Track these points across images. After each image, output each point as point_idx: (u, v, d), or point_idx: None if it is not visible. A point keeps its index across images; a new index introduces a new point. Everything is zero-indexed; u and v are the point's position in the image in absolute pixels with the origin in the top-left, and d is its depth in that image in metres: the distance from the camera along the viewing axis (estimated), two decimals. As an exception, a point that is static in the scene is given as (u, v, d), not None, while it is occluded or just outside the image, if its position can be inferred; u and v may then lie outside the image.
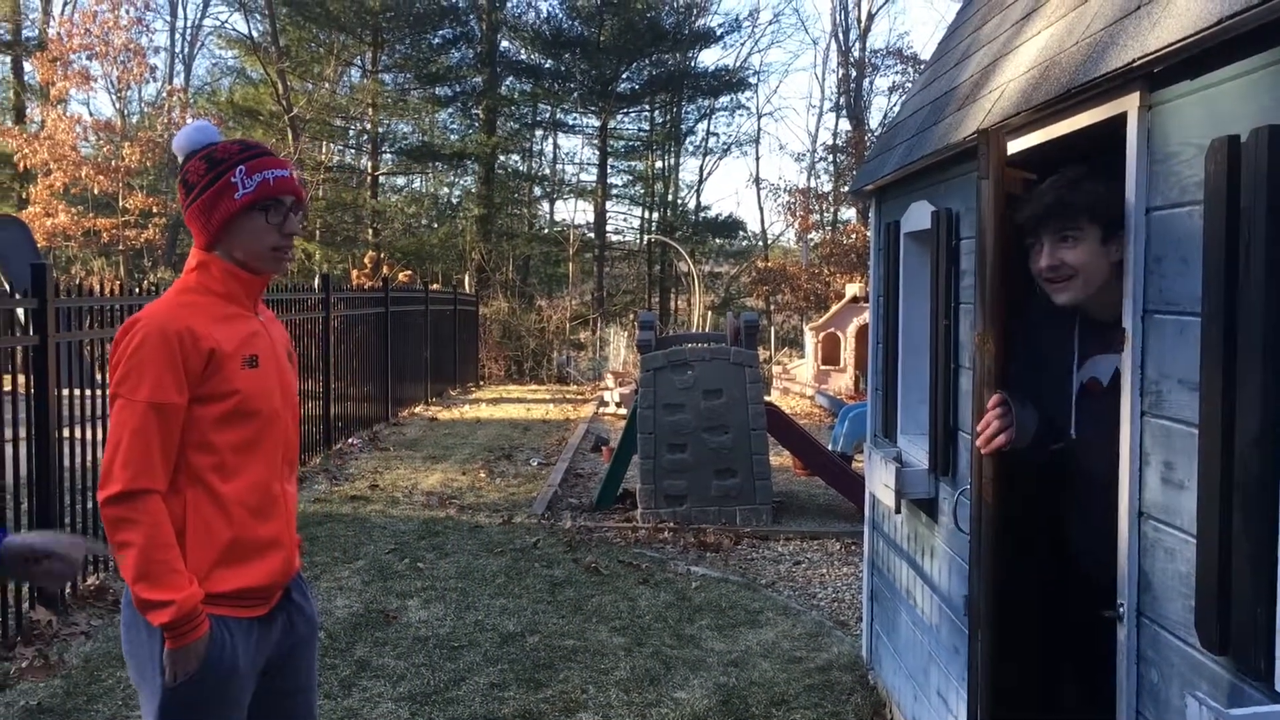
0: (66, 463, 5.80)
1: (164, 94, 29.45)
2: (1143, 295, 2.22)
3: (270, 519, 2.43)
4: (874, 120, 34.29)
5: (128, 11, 23.35)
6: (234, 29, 34.83)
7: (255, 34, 30.31)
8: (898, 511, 4.01)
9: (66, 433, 5.79)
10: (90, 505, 6.09)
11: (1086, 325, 2.64)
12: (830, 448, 9.93)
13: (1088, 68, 2.33)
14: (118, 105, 29.98)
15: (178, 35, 35.34)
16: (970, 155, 3.02)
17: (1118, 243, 2.44)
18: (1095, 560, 2.56)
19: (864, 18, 34.89)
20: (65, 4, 31.28)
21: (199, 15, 38.54)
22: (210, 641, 2.29)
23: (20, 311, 5.58)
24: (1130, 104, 2.22)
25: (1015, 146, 2.79)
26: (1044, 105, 2.54)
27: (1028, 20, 3.23)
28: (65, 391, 5.83)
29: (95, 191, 22.84)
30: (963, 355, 3.38)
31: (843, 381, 17.78)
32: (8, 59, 30.00)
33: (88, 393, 6.04)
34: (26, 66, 28.06)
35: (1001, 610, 2.75)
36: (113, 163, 22.66)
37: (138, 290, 7.37)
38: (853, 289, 18.80)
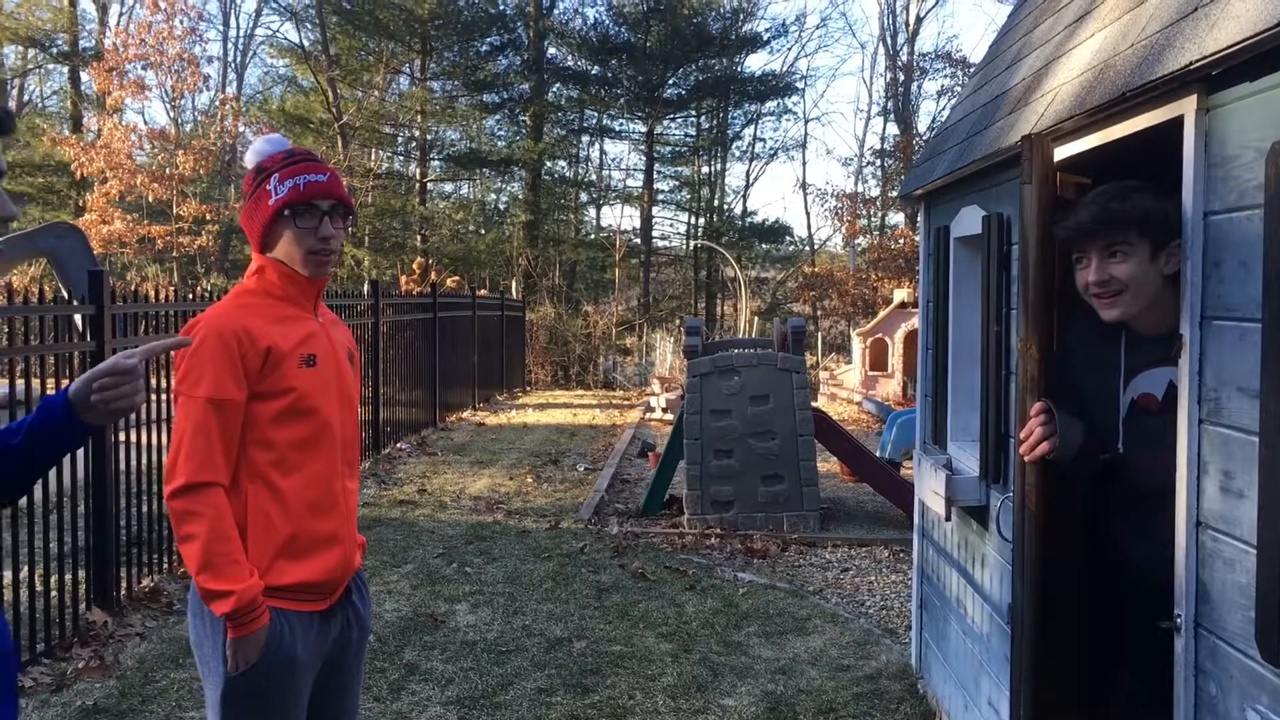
0: (123, 466, 5.89)
1: (217, 102, 29.93)
2: (1200, 302, 2.18)
3: (329, 516, 2.48)
4: (922, 124, 34.10)
5: (182, 22, 23.79)
6: (285, 38, 35.42)
7: (306, 43, 30.76)
8: (948, 519, 3.97)
9: (123, 436, 5.89)
10: (146, 509, 6.19)
11: (1134, 340, 2.57)
12: (878, 454, 9.86)
13: (1144, 70, 2.30)
14: (172, 114, 30.60)
15: (230, 45, 35.95)
16: (1021, 160, 2.99)
17: (1169, 255, 2.40)
18: (1149, 571, 2.52)
19: (912, 21, 34.70)
20: (121, 15, 31.92)
21: (251, 25, 39.19)
22: (270, 632, 2.34)
23: (78, 317, 5.69)
24: (1187, 107, 2.19)
25: (1070, 150, 2.76)
26: (1098, 109, 2.51)
27: (1081, 23, 3.19)
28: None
29: (150, 199, 23.28)
30: (1014, 361, 3.34)
31: (890, 387, 17.65)
32: (65, 69, 30.64)
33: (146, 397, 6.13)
34: (84, 77, 28.67)
35: (1045, 618, 2.72)
36: (167, 170, 23.08)
37: (191, 296, 7.49)
38: (901, 294, 18.67)
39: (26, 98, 35.46)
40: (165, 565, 6.39)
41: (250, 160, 2.57)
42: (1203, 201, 2.18)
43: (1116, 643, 2.75)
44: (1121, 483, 2.64)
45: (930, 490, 4.01)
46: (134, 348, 2.27)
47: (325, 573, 2.46)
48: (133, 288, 7.63)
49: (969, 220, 3.88)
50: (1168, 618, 2.31)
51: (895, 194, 31.26)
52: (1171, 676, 2.30)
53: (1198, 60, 2.03)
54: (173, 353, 2.69)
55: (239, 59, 36.45)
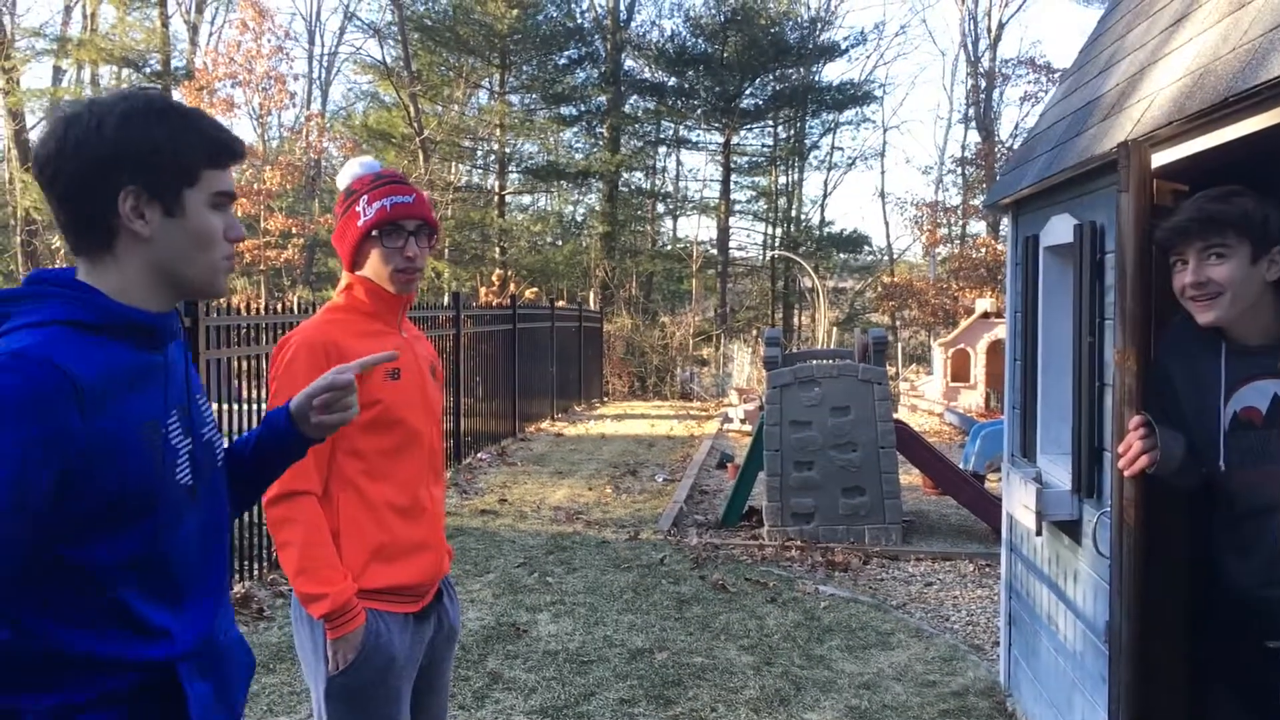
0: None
1: (302, 119, 30.65)
2: (1309, 311, 2.12)
3: (418, 521, 2.57)
4: (1004, 131, 33.60)
5: (269, 41, 24.39)
6: (368, 55, 36.16)
7: (388, 59, 31.29)
8: (1038, 533, 3.89)
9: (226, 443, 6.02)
10: (240, 519, 6.33)
11: (1235, 351, 2.47)
12: (961, 466, 9.71)
13: (1247, 75, 2.24)
14: (258, 130, 31.36)
15: (315, 62, 36.75)
16: (1116, 167, 2.93)
17: (1270, 262, 2.33)
18: (1253, 589, 2.45)
19: (994, 27, 34.25)
20: (211, 35, 32.83)
21: (335, 43, 40.09)
22: (367, 632, 2.43)
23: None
24: (1294, 112, 2.13)
25: (1169, 157, 2.70)
26: (1199, 114, 2.45)
27: (1177, 27, 3.12)
28: (215, 406, 6.07)
29: (238, 214, 23.80)
30: (1108, 373, 3.27)
31: (973, 399, 17.38)
32: (159, 88, 31.56)
33: (236, 408, 6.28)
34: (175, 95, 29.49)
35: (1145, 637, 2.65)
36: (254, 186, 23.62)
37: (280, 308, 7.66)
38: (983, 304, 18.40)
39: (121, 116, 36.56)
40: (256, 572, 6.53)
41: (342, 181, 2.67)
42: (1311, 208, 2.11)
43: (1219, 663, 2.67)
44: (1223, 499, 2.56)
45: (1020, 504, 3.94)
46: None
47: (417, 575, 2.55)
48: (222, 301, 7.83)
49: (1060, 229, 3.81)
50: (1274, 637, 2.24)
51: (977, 202, 30.83)
52: (1278, 698, 2.23)
53: (1306, 64, 1.98)
54: (266, 365, 2.80)
55: (323, 76, 37.30)
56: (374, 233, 2.54)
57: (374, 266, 2.56)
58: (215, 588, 1.72)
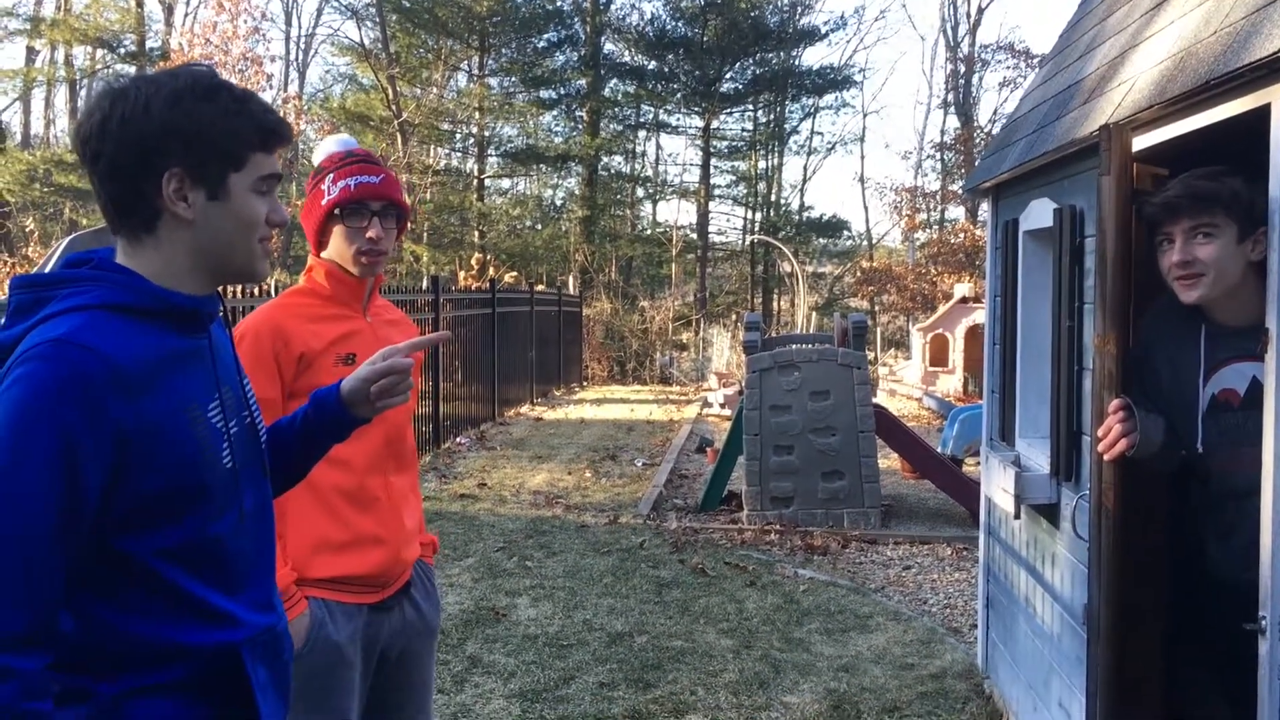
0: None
1: (279, 100, 30.34)
2: (1288, 294, 2.12)
3: (370, 511, 2.47)
4: (983, 116, 33.68)
5: (245, 22, 24.09)
6: (346, 37, 35.72)
7: (366, 41, 31.09)
8: (1017, 517, 3.91)
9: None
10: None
11: (1215, 332, 2.48)
12: (940, 450, 9.74)
13: (1228, 58, 2.24)
14: (235, 112, 30.98)
15: (292, 44, 36.39)
16: (1097, 150, 2.94)
17: (1255, 243, 2.33)
18: (1231, 571, 2.46)
19: (973, 12, 34.26)
20: (186, 16, 32.47)
21: (313, 24, 39.68)
22: (310, 621, 2.36)
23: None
24: (1274, 95, 2.13)
25: (1148, 141, 2.70)
26: (1179, 98, 2.45)
27: (1159, 10, 3.12)
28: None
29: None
30: (1087, 357, 3.28)
31: (951, 383, 17.45)
32: (133, 69, 31.22)
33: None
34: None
35: (1123, 619, 2.66)
36: (231, 168, 23.38)
37: (256, 291, 7.60)
38: (962, 289, 18.45)
39: (95, 98, 36.21)
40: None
41: (317, 159, 2.60)
42: (1291, 192, 2.12)
43: (1198, 645, 2.68)
44: (1200, 481, 2.58)
45: (998, 487, 3.96)
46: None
47: (368, 567, 2.46)
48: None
49: (1039, 213, 3.81)
50: (1252, 619, 2.25)
51: (957, 187, 30.91)
52: (1255, 680, 2.25)
53: (1288, 46, 1.98)
54: None
55: (301, 58, 36.95)
56: (336, 211, 2.47)
57: (337, 247, 2.49)
58: (269, 569, 1.72)
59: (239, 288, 7.07)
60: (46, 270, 2.07)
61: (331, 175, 2.48)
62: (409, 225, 2.88)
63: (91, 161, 1.53)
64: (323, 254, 2.53)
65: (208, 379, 1.59)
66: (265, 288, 7.96)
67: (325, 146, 2.59)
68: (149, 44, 29.91)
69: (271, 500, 1.78)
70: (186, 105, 1.51)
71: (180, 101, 1.51)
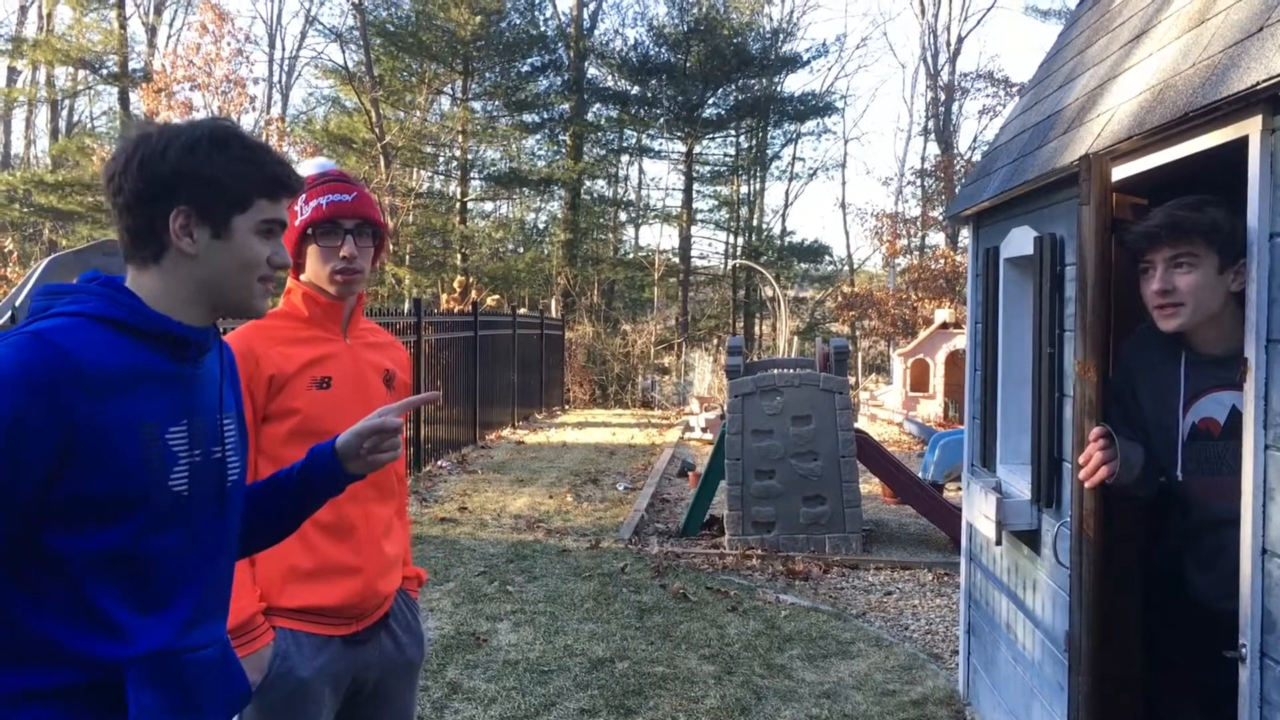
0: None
1: (262, 123, 30.32)
2: (1266, 324, 2.14)
3: (345, 540, 2.41)
4: (963, 144, 34.00)
5: (229, 44, 24.12)
6: (330, 59, 35.89)
7: (350, 64, 31.08)
8: (998, 543, 3.92)
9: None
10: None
11: (1195, 361, 2.49)
12: (920, 476, 9.77)
13: (1207, 90, 2.27)
14: (218, 134, 30.93)
15: (276, 66, 36.36)
16: (1077, 180, 2.97)
17: (1235, 273, 2.35)
18: (1210, 599, 2.47)
19: (953, 41, 34.60)
20: (169, 38, 32.46)
21: (297, 46, 39.62)
22: (274, 654, 2.31)
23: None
24: (1253, 127, 2.15)
25: (1127, 171, 2.72)
26: (1158, 129, 2.48)
27: (1138, 42, 3.16)
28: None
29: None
30: (1067, 384, 3.30)
31: (932, 408, 17.51)
32: (115, 90, 31.18)
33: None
34: (133, 98, 29.13)
35: (1104, 646, 2.67)
36: (213, 190, 23.30)
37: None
38: (942, 315, 18.54)
39: (76, 118, 36.14)
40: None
41: None
42: (1269, 223, 2.14)
43: (1178, 672, 2.69)
44: (1181, 510, 2.59)
45: (980, 513, 3.97)
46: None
47: (341, 598, 2.39)
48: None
49: (1020, 241, 3.84)
50: (1232, 647, 2.26)
51: (937, 214, 31.11)
52: (1235, 707, 2.25)
53: (1265, 80, 2.00)
54: None
55: (284, 80, 36.90)
56: (310, 231, 2.44)
57: (313, 267, 2.46)
58: (201, 603, 1.73)
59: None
60: (25, 290, 2.10)
61: (305, 196, 2.45)
62: (390, 247, 2.85)
63: (114, 194, 1.68)
64: (301, 276, 2.49)
65: (179, 404, 1.67)
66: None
67: (301, 170, 2.54)
68: (131, 65, 29.89)
69: (230, 538, 1.82)
70: (200, 152, 1.66)
71: (195, 148, 1.66)
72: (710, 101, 33.33)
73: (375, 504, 2.50)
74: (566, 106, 32.41)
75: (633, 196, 37.30)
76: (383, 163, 28.66)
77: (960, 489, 5.53)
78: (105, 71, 30.15)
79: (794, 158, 36.95)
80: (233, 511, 1.81)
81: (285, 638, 2.34)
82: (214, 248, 1.69)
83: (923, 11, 34.80)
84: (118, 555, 1.59)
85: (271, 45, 36.13)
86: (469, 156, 32.59)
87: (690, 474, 11.11)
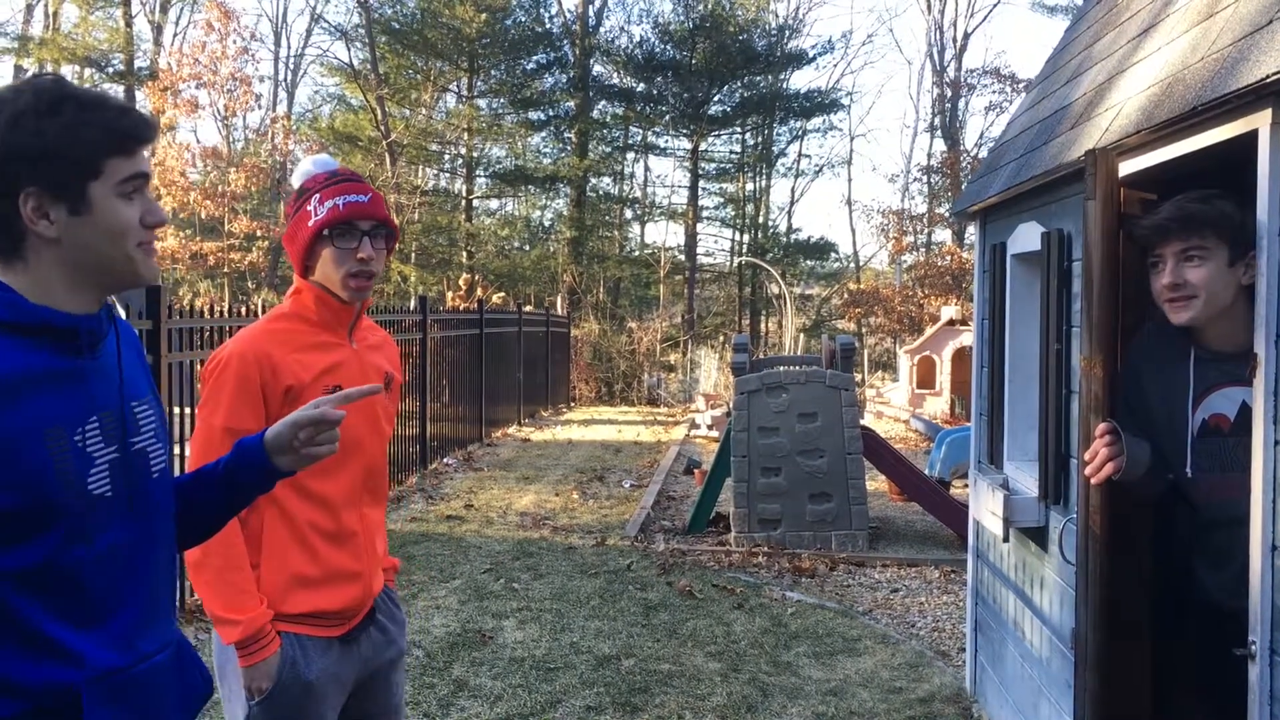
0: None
1: (268, 121, 30.37)
2: (1276, 318, 2.13)
3: (345, 544, 2.43)
4: (969, 140, 33.89)
5: (234, 42, 24.12)
6: (335, 57, 35.92)
7: (355, 62, 31.10)
8: (1005, 540, 3.91)
9: (178, 450, 5.95)
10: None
11: (1204, 357, 2.48)
12: (927, 473, 9.75)
13: (1216, 84, 2.25)
14: (223, 132, 31.04)
15: (281, 64, 36.42)
16: (1084, 175, 2.95)
17: (1246, 266, 2.34)
18: (1219, 596, 2.46)
19: (959, 37, 34.54)
20: (175, 36, 32.50)
21: (302, 45, 39.79)
22: (283, 660, 2.32)
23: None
24: (1262, 121, 2.14)
25: (1135, 166, 2.71)
26: (1167, 123, 2.46)
27: (1146, 36, 3.14)
28: (177, 410, 6.00)
29: (202, 216, 23.58)
30: (1074, 380, 3.28)
31: (938, 405, 17.48)
32: (121, 89, 31.20)
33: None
34: (138, 96, 29.16)
35: (1111, 643, 2.66)
36: (219, 188, 23.37)
37: (244, 311, 7.57)
38: (949, 311, 18.51)
39: (83, 117, 36.06)
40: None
41: (296, 180, 2.54)
42: (1278, 217, 2.12)
43: (1186, 669, 2.68)
44: (1189, 507, 2.57)
45: (987, 510, 3.95)
46: (334, 393, 2.15)
47: (342, 601, 2.41)
48: (187, 303, 7.73)
49: (1027, 237, 3.83)
50: (1241, 644, 2.25)
51: (943, 210, 31.05)
52: (1245, 705, 2.24)
53: (1275, 73, 1.99)
54: (199, 369, 2.68)
55: (290, 78, 36.95)
56: (325, 232, 2.39)
57: (325, 270, 2.41)
58: (146, 608, 1.62)
59: (225, 308, 7.03)
60: None
61: (318, 195, 2.41)
62: (397, 245, 2.84)
63: None
64: (310, 277, 2.45)
65: (83, 401, 1.53)
66: (252, 307, 7.94)
67: (304, 168, 2.52)
68: (137, 64, 29.92)
69: (164, 533, 1.71)
70: (28, 124, 1.49)
71: (20, 122, 1.49)
72: (716, 98, 33.27)
73: (370, 508, 2.53)
74: (572, 104, 32.36)
75: (638, 194, 37.26)
76: (388, 160, 28.68)
77: (967, 486, 5.52)
78: (111, 70, 30.18)
79: (800, 155, 36.91)
80: (164, 503, 1.70)
81: (291, 643, 2.35)
82: (76, 224, 1.52)
83: (929, 7, 34.76)
84: (44, 571, 1.47)
85: (277, 43, 36.19)
86: (474, 154, 32.57)
87: (696, 471, 11.09)
